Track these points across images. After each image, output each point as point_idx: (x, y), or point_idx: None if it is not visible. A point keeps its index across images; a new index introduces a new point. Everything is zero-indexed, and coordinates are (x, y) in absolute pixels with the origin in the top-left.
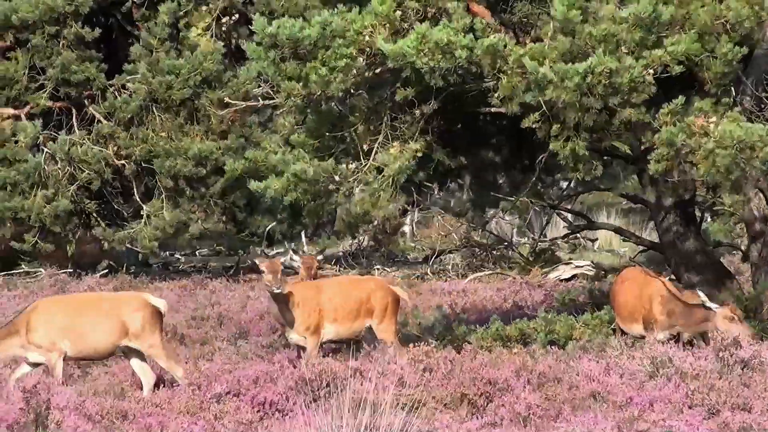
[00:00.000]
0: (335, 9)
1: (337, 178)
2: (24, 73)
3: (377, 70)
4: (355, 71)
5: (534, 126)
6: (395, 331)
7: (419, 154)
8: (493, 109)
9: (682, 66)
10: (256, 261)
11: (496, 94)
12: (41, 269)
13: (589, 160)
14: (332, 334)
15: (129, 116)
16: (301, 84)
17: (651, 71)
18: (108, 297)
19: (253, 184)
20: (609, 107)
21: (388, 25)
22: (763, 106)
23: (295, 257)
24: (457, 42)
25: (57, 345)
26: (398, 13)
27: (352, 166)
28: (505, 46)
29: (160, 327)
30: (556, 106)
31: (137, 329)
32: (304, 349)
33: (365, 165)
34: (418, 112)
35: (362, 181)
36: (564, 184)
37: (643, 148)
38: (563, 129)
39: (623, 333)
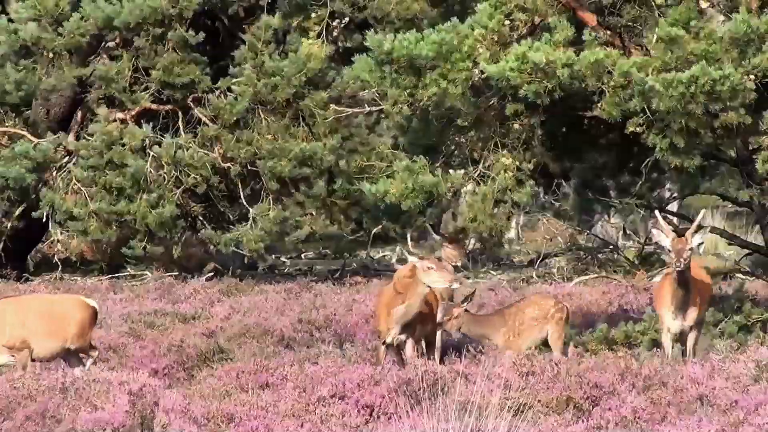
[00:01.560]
0: (448, 21)
1: (451, 185)
2: (128, 74)
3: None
4: (471, 82)
5: (638, 130)
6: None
7: (530, 166)
8: (596, 112)
9: None
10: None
11: (598, 104)
12: (147, 272)
13: (688, 151)
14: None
15: (234, 119)
16: (407, 92)
17: (752, 77)
18: (55, 299)
19: (369, 188)
20: (710, 112)
21: (496, 36)
22: None
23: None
24: (557, 61)
25: (27, 343)
26: (507, 22)
27: (461, 172)
28: (609, 57)
29: (93, 327)
30: (659, 111)
31: (79, 331)
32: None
33: (475, 171)
34: (525, 120)
35: (472, 187)
36: (669, 187)
37: (749, 150)
38: (666, 130)
39: None
